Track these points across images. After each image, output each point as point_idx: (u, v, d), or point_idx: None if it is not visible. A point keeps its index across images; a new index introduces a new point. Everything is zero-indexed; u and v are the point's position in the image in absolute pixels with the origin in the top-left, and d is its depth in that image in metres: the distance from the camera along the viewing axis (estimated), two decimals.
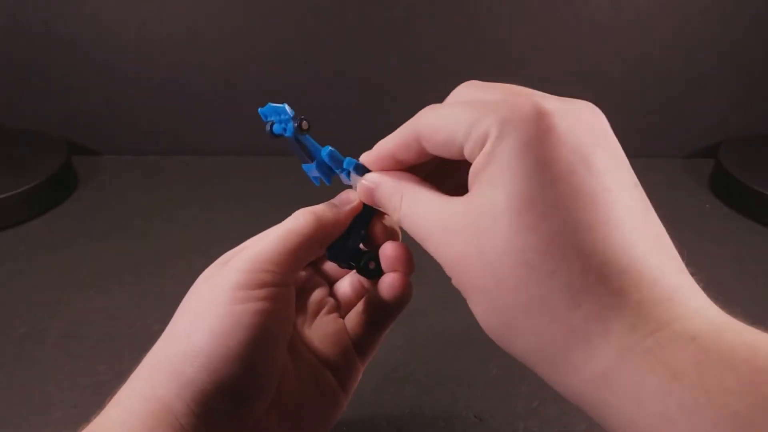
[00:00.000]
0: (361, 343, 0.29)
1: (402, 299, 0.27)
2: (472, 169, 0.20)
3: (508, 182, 0.18)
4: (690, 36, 0.65)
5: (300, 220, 0.25)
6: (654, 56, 0.66)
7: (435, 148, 0.21)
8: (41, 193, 0.60)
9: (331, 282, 0.31)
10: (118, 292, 0.50)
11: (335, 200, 0.27)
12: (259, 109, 0.26)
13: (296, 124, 0.26)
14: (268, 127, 0.26)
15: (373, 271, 0.28)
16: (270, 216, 0.28)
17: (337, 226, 0.26)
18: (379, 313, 0.29)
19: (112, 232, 0.58)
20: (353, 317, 0.29)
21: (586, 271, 0.17)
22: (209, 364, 0.22)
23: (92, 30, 0.64)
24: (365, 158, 0.25)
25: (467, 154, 0.20)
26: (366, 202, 0.26)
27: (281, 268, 0.24)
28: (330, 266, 0.31)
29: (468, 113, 0.20)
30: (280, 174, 0.68)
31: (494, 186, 0.18)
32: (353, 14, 0.63)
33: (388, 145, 0.24)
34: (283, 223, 0.25)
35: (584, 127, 0.19)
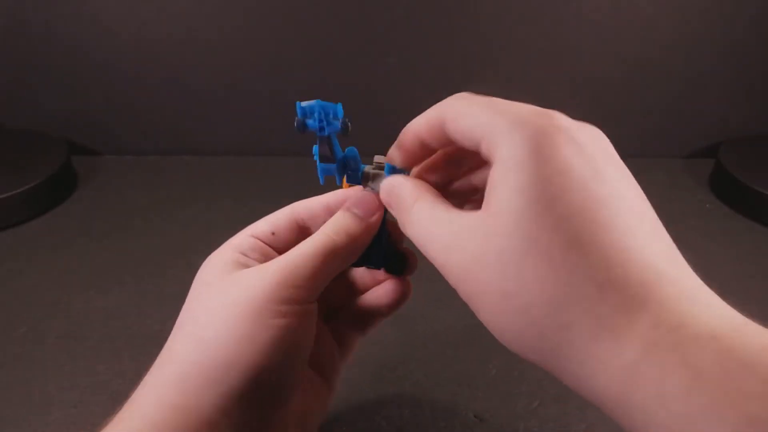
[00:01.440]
0: (345, 342, 0.30)
1: (405, 300, 0.28)
2: (491, 177, 0.20)
3: (526, 187, 0.19)
4: (690, 36, 0.65)
5: (334, 240, 0.25)
6: (654, 56, 0.66)
7: (456, 133, 0.22)
8: (41, 193, 0.60)
9: None
10: (118, 292, 0.50)
11: (357, 209, 0.27)
12: (303, 103, 0.26)
13: (342, 126, 0.26)
14: (300, 122, 0.26)
15: (399, 269, 0.29)
16: None
17: (367, 241, 0.26)
18: (371, 315, 0.29)
19: (112, 232, 0.58)
20: (341, 320, 0.30)
21: (609, 266, 0.18)
22: (246, 375, 0.22)
23: (92, 30, 0.64)
24: (393, 148, 0.26)
25: (483, 148, 0.21)
26: (384, 202, 0.26)
27: (313, 284, 0.24)
28: None
29: (493, 112, 0.21)
30: (280, 174, 0.68)
31: (515, 190, 0.19)
32: (353, 14, 0.63)
33: (414, 125, 0.24)
34: (317, 239, 0.25)
35: (597, 145, 0.21)
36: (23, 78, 0.67)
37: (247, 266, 0.25)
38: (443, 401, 0.40)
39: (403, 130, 0.25)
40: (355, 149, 0.27)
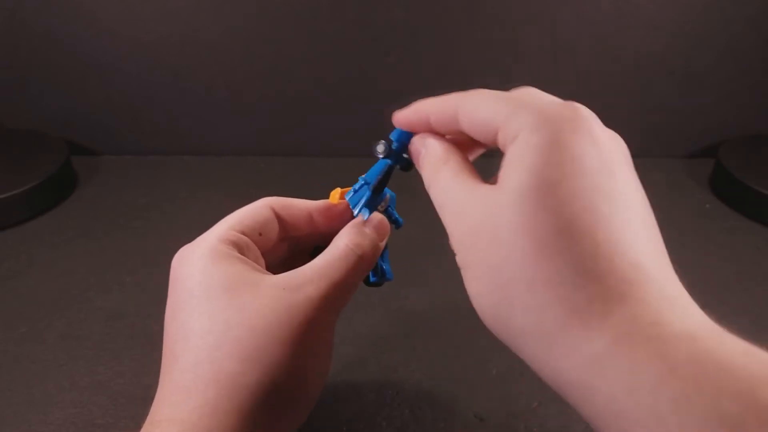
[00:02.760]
0: None
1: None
2: (505, 158, 0.21)
3: (536, 167, 0.19)
4: (690, 36, 0.65)
5: (351, 263, 0.26)
6: (654, 56, 0.66)
7: (470, 126, 0.23)
8: (41, 193, 0.60)
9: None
10: (118, 292, 0.50)
11: (373, 231, 0.28)
12: (400, 132, 0.28)
13: (409, 159, 0.28)
14: (385, 146, 0.28)
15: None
16: None
17: (374, 261, 0.28)
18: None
19: (112, 232, 0.58)
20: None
21: (596, 256, 0.18)
22: (273, 406, 0.23)
23: (92, 30, 0.64)
24: (400, 111, 0.27)
25: (500, 141, 0.21)
26: (417, 156, 0.27)
27: (337, 304, 0.26)
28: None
29: (513, 103, 0.21)
30: (280, 174, 0.68)
31: (523, 170, 0.19)
32: (353, 14, 0.63)
33: (426, 105, 0.25)
34: (348, 261, 0.26)
35: (614, 145, 0.21)
36: (23, 78, 0.67)
37: (256, 270, 0.25)
38: (443, 401, 0.40)
39: (415, 103, 0.26)
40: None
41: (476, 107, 0.22)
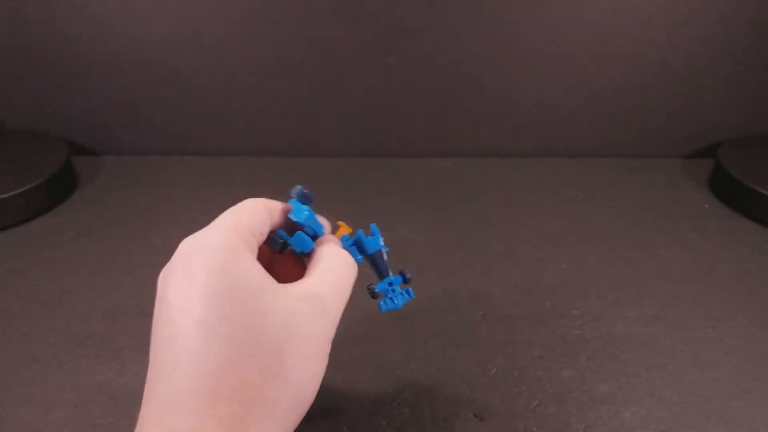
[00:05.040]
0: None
1: None
2: None
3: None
4: (689, 36, 0.65)
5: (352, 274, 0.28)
6: (654, 56, 0.66)
7: None
8: (41, 193, 0.60)
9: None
10: (118, 292, 0.50)
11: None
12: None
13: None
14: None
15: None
16: None
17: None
18: None
19: (112, 232, 0.58)
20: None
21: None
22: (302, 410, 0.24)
23: (92, 30, 0.64)
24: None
25: None
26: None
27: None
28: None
29: None
30: (280, 174, 0.68)
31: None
32: (353, 14, 0.63)
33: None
34: (349, 277, 0.28)
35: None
36: (23, 78, 0.67)
37: (268, 275, 0.25)
38: (443, 401, 0.40)
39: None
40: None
41: None
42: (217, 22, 0.64)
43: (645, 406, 0.40)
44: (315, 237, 0.29)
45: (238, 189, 0.64)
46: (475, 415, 0.39)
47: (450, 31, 0.64)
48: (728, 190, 0.64)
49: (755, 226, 0.60)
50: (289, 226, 0.29)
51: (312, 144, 0.72)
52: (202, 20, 0.63)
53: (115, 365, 0.42)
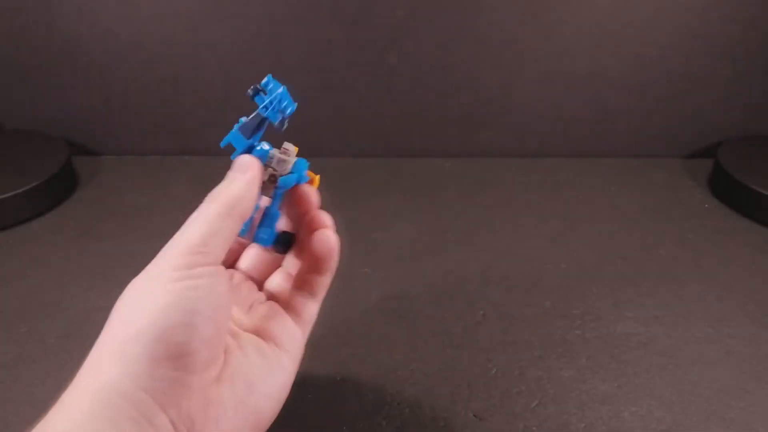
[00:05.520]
0: (298, 311, 0.31)
1: (333, 253, 0.30)
2: None
3: None
4: (690, 36, 0.65)
5: (215, 205, 0.29)
6: (654, 56, 0.66)
7: None
8: (41, 193, 0.60)
9: (258, 282, 0.34)
10: (118, 292, 0.49)
11: (235, 169, 0.30)
12: (273, 79, 0.29)
13: (279, 122, 0.30)
14: (255, 90, 0.31)
15: (284, 248, 0.32)
16: None
17: (248, 198, 0.29)
18: (312, 284, 0.31)
19: (112, 232, 0.58)
20: (289, 293, 0.32)
21: None
22: (152, 341, 0.24)
23: (92, 30, 0.64)
24: None
25: None
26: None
27: (210, 248, 0.27)
28: (256, 271, 0.34)
29: None
30: None
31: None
32: (353, 14, 0.63)
33: None
34: (201, 210, 0.29)
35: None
36: (23, 78, 0.67)
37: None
38: (443, 401, 0.40)
39: None
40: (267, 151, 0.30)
41: None
42: (216, 22, 0.64)
43: (645, 406, 0.40)
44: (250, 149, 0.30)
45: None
46: (475, 415, 0.39)
47: (450, 31, 0.64)
48: (728, 190, 0.64)
49: (755, 226, 0.60)
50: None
51: (312, 144, 0.72)
52: (202, 20, 0.63)
53: None
